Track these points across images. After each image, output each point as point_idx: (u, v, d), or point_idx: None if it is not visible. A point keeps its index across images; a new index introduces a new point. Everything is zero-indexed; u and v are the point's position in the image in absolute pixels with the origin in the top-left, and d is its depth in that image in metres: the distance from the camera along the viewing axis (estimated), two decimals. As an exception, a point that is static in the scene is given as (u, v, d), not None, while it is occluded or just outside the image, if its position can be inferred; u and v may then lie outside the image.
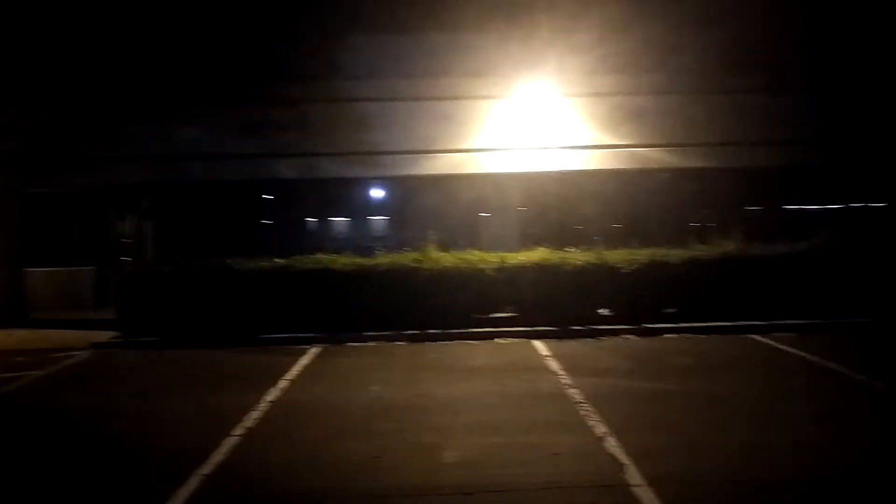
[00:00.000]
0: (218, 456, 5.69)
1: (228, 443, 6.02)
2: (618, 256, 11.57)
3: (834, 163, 14.41)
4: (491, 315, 11.48)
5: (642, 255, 11.62)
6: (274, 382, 8.12)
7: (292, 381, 8.27)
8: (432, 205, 14.65)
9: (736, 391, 7.40)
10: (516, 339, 10.58)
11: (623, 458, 5.41)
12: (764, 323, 10.81)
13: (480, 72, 13.94)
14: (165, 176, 14.35)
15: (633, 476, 5.05)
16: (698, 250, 11.76)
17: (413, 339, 10.67)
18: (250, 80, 13.95)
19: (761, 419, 6.36)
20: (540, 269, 11.35)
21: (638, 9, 13.31)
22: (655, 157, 14.30)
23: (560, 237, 12.51)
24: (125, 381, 8.87)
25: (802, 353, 9.11)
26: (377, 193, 16.18)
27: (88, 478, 5.44)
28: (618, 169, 14.44)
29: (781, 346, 9.64)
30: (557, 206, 13.04)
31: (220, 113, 14.16)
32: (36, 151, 14.12)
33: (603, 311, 11.55)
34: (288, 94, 14.20)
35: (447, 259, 11.51)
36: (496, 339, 10.61)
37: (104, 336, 11.33)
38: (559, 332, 10.76)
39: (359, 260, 11.53)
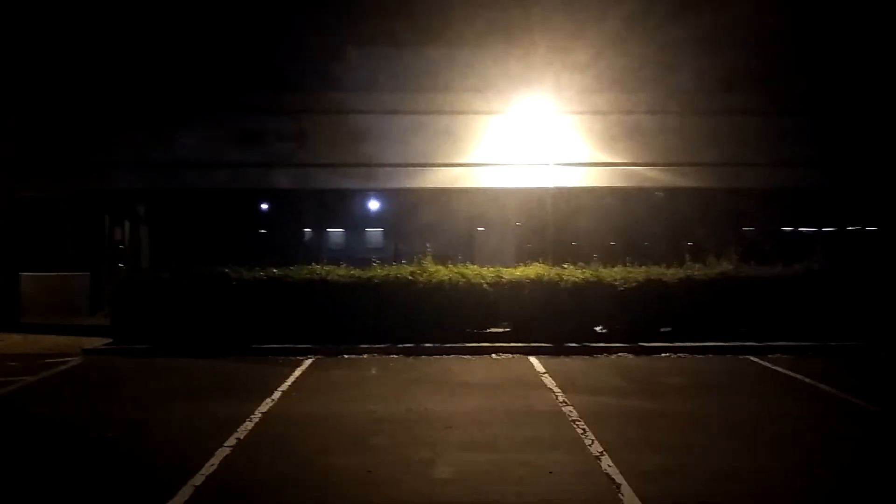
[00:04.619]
0: (210, 467, 5.65)
1: (221, 454, 5.98)
2: (614, 274, 11.57)
3: (830, 185, 14.52)
4: (487, 330, 11.48)
5: (639, 273, 11.64)
6: (267, 393, 8.07)
7: (285, 393, 8.22)
8: (429, 218, 14.65)
9: (732, 413, 7.38)
10: (512, 355, 10.54)
11: (618, 477, 5.39)
12: (760, 344, 10.82)
13: (478, 87, 14.03)
14: (162, 182, 14.33)
15: (629, 496, 5.03)
16: (695, 270, 11.79)
17: (408, 353, 10.62)
18: (249, 90, 14.00)
19: (757, 442, 6.34)
20: (536, 284, 11.35)
21: (634, 29, 13.43)
22: (652, 175, 14.41)
23: (556, 253, 12.51)
24: (117, 388, 8.79)
25: (798, 376, 9.11)
26: (374, 205, 16.17)
27: (80, 486, 5.38)
28: (614, 186, 14.53)
29: (777, 368, 9.64)
30: (554, 222, 13.06)
31: (218, 121, 14.19)
32: (31, 155, 14.12)
33: (599, 329, 11.55)
34: (286, 105, 14.26)
35: (444, 273, 11.50)
36: (492, 355, 10.56)
37: (97, 342, 11.26)
38: (555, 349, 10.74)
39: (355, 272, 11.52)
